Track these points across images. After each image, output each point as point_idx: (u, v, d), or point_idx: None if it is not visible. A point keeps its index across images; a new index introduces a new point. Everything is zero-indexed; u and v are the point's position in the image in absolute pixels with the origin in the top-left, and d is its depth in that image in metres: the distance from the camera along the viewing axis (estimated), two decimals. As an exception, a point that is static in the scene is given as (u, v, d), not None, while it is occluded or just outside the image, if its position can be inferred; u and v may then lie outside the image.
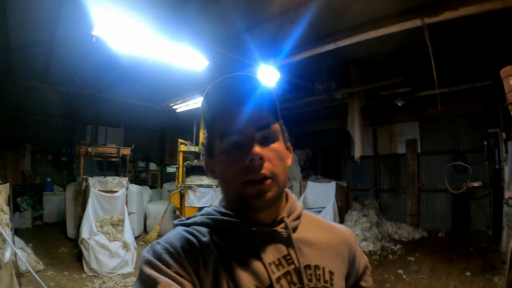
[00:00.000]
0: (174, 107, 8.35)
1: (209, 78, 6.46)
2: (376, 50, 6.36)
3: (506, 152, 6.76)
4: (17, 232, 7.28)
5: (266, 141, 0.82)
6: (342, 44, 5.14)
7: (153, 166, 12.67)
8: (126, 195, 7.58)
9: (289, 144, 0.94)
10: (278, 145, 0.84)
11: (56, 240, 8.07)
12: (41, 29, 5.38)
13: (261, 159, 0.78)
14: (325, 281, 0.89)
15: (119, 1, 4.26)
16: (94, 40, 4.29)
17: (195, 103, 7.55)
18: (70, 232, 7.96)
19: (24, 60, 6.53)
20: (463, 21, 4.48)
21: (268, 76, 5.88)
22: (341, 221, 8.37)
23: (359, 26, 4.96)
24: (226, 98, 0.82)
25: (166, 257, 0.74)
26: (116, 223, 7.04)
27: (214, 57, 5.42)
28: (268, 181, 0.80)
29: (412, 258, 6.71)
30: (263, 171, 0.79)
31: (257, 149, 0.78)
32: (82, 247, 6.41)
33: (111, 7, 3.99)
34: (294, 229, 0.92)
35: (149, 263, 0.73)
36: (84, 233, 6.46)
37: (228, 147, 0.81)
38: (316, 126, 11.79)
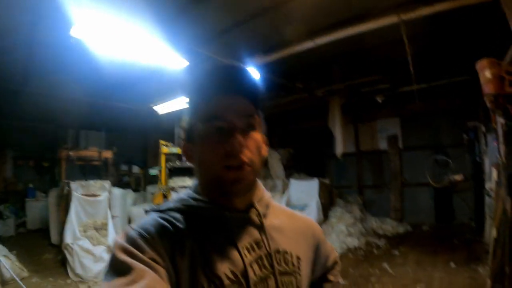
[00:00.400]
0: (155, 108, 8.31)
1: (188, 80, 6.44)
2: (356, 48, 6.39)
3: (486, 144, 6.86)
4: (0, 240, 7.24)
5: (247, 130, 0.84)
6: (320, 42, 5.17)
7: (136, 169, 12.53)
8: (109, 199, 7.52)
9: (265, 137, 0.95)
10: (257, 135, 0.86)
11: (40, 246, 7.94)
12: (19, 33, 5.30)
13: (242, 146, 0.80)
14: (293, 265, 0.92)
15: (98, 2, 4.25)
16: (71, 41, 4.26)
17: (176, 104, 7.50)
18: (54, 238, 7.82)
19: (3, 64, 6.39)
20: (440, 17, 4.54)
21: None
22: (325, 217, 8.43)
23: (337, 24, 5.00)
24: (215, 84, 0.83)
25: (141, 242, 0.73)
26: (100, 227, 6.98)
27: (193, 57, 5.41)
28: (247, 168, 0.81)
29: (397, 252, 6.81)
30: (243, 157, 0.80)
31: (238, 136, 0.80)
32: (66, 253, 6.35)
33: (89, 8, 3.96)
34: (264, 216, 0.94)
35: (122, 249, 0.72)
36: (68, 238, 6.40)
37: (211, 131, 0.82)
38: (298, 124, 11.83)
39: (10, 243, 7.59)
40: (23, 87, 7.47)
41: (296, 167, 11.43)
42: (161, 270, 0.71)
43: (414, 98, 7.89)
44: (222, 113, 0.82)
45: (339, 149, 8.36)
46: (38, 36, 5.36)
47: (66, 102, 8.53)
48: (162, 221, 0.81)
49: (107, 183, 7.63)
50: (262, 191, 0.99)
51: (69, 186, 7.20)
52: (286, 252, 0.93)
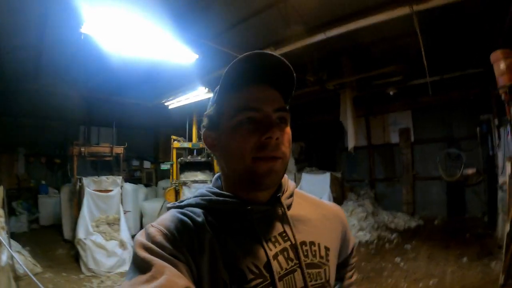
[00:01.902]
0: (166, 104, 8.31)
1: (199, 73, 6.44)
2: (367, 39, 6.34)
3: (499, 138, 6.77)
4: (13, 236, 7.31)
5: (281, 123, 0.83)
6: (331, 34, 5.11)
7: (147, 164, 12.57)
8: (121, 194, 7.58)
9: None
10: (288, 129, 0.86)
11: (53, 242, 8.01)
12: (29, 31, 5.34)
13: (277, 139, 0.80)
14: (321, 257, 0.90)
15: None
16: (82, 38, 4.26)
17: (186, 99, 7.50)
18: (67, 233, 7.91)
19: (15, 63, 6.46)
20: (453, 7, 4.47)
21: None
22: (338, 212, 8.41)
23: (348, 16, 4.95)
24: (253, 72, 0.82)
25: (160, 239, 0.74)
26: (112, 222, 7.03)
27: (203, 51, 5.39)
28: (279, 161, 0.81)
29: (409, 246, 6.75)
30: (276, 151, 0.80)
31: (275, 128, 0.79)
32: (79, 248, 6.41)
33: (100, 4, 3.96)
34: (289, 207, 0.93)
35: (142, 246, 0.72)
36: (80, 234, 6.45)
37: (244, 121, 0.81)
38: (310, 118, 11.69)
39: (24, 239, 7.69)
40: (34, 84, 7.54)
41: (308, 160, 11.41)
42: (181, 265, 0.71)
43: (426, 91, 7.79)
44: (257, 104, 0.81)
45: (350, 142, 8.29)
46: (49, 34, 5.40)
47: (77, 99, 8.60)
48: (181, 216, 0.81)
49: (119, 179, 7.67)
50: (286, 182, 0.97)
51: (81, 182, 7.25)
52: (313, 243, 0.91)
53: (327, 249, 0.93)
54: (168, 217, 0.82)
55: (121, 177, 7.86)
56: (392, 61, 6.97)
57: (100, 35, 4.22)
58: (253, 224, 0.84)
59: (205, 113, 0.93)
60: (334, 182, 8.72)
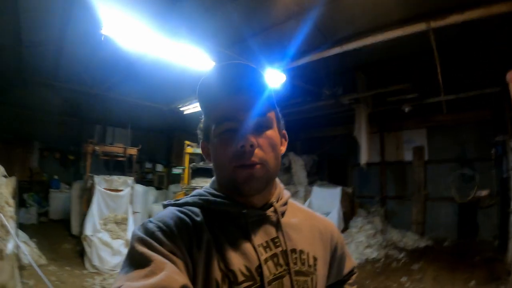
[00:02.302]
0: (181, 108, 8.38)
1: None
2: (383, 56, 6.34)
3: (514, 161, 6.65)
4: (22, 227, 7.42)
5: (259, 129, 0.84)
6: (347, 48, 5.13)
7: (159, 167, 12.67)
8: (131, 194, 7.64)
9: (284, 131, 0.97)
10: (271, 133, 0.87)
11: (60, 236, 8.11)
12: (51, 28, 5.46)
13: (252, 146, 0.80)
14: (309, 266, 0.92)
15: (129, 2, 4.33)
16: (102, 39, 4.34)
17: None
18: (75, 229, 8.01)
19: (35, 57, 6.61)
20: (469, 26, 4.45)
21: (275, 78, 5.88)
22: (346, 227, 8.32)
23: (365, 31, 4.96)
24: (223, 84, 0.84)
25: (159, 235, 0.74)
26: (120, 221, 7.09)
27: (220, 58, 5.44)
28: (258, 166, 0.82)
29: (416, 267, 6.63)
30: (253, 158, 0.81)
31: (249, 136, 0.80)
32: (85, 244, 6.48)
33: (120, 7, 4.04)
34: (282, 214, 0.95)
35: (141, 241, 0.73)
36: (88, 230, 6.52)
37: (222, 132, 0.84)
38: (323, 131, 11.70)
39: (31, 231, 7.78)
40: (52, 80, 7.68)
41: (319, 174, 11.36)
42: (180, 263, 0.72)
43: (441, 110, 7.72)
44: (232, 113, 0.83)
45: (363, 158, 8.24)
46: (70, 32, 5.51)
47: (94, 97, 8.73)
48: (180, 214, 0.83)
49: (130, 179, 7.77)
50: (281, 190, 1.00)
51: (92, 180, 7.36)
52: (302, 252, 0.92)
53: (315, 258, 0.94)
54: (167, 214, 0.82)
55: (132, 178, 7.96)
56: (408, 79, 6.93)
57: (119, 37, 4.29)
58: (248, 228, 0.85)
59: (198, 126, 0.98)
60: (344, 197, 8.67)
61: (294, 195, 10.07)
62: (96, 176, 7.42)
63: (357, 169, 10.44)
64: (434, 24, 4.35)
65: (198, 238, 0.78)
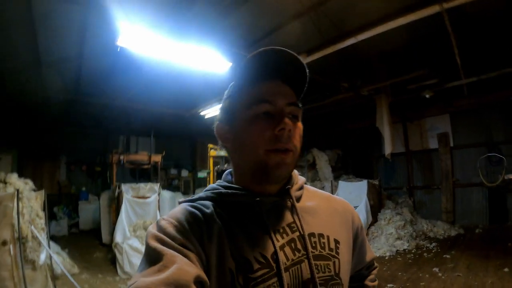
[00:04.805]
0: (202, 113, 8.45)
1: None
2: (400, 43, 6.23)
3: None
4: (53, 239, 7.70)
5: (293, 118, 0.84)
6: (361, 38, 5.03)
7: (185, 172, 12.86)
8: (158, 200, 7.75)
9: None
10: (300, 124, 0.86)
11: (91, 246, 8.34)
12: (68, 46, 5.59)
13: (290, 130, 0.80)
14: (330, 249, 0.89)
15: (142, 11, 4.40)
16: (118, 50, 4.41)
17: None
18: (105, 238, 8.22)
19: (56, 75, 6.79)
20: (486, 3, 4.32)
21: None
22: (375, 220, 8.24)
23: (377, 20, 4.87)
24: (266, 67, 0.83)
25: (171, 230, 0.75)
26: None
27: (236, 60, 5.46)
28: (290, 153, 0.82)
29: (447, 256, 6.49)
30: (289, 143, 0.81)
31: (288, 121, 0.80)
32: (116, 251, 6.60)
33: (134, 17, 4.11)
34: (298, 199, 0.93)
35: (154, 237, 0.74)
36: (118, 238, 6.65)
37: (258, 114, 0.82)
38: (345, 125, 11.52)
39: (63, 242, 8.09)
40: (74, 95, 7.89)
41: (345, 168, 11.30)
42: (192, 255, 0.72)
43: (463, 93, 7.54)
44: (271, 97, 0.82)
45: (387, 149, 8.10)
46: (87, 48, 5.63)
47: (116, 109, 8.92)
48: (191, 209, 0.83)
49: (156, 186, 7.89)
50: (296, 176, 0.98)
51: (120, 188, 7.50)
52: (322, 235, 0.90)
53: (336, 241, 0.91)
54: (179, 210, 0.83)
55: (158, 184, 8.07)
56: (427, 64, 6.78)
57: (135, 47, 4.37)
58: (262, 215, 0.84)
59: (219, 106, 0.95)
60: (371, 190, 8.58)
61: (320, 190, 10.03)
62: (123, 184, 7.57)
63: (382, 160, 10.34)
64: (447, 5, 4.24)
65: (209, 230, 0.79)
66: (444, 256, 6.52)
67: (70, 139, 11.17)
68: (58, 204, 10.50)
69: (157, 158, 8.91)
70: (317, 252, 0.86)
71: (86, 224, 10.36)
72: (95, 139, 11.64)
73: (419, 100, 8.37)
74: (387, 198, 9.50)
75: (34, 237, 4.46)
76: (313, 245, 0.87)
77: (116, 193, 7.60)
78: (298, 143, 0.84)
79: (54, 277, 5.20)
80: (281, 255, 0.80)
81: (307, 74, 0.86)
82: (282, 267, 0.79)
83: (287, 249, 0.83)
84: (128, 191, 7.52)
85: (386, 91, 7.92)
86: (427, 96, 7.85)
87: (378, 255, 6.93)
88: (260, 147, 0.81)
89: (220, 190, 0.89)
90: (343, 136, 11.70)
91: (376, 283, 1.15)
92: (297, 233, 0.86)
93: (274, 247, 0.81)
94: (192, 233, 0.76)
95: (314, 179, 10.50)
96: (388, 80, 7.36)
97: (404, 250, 7.19)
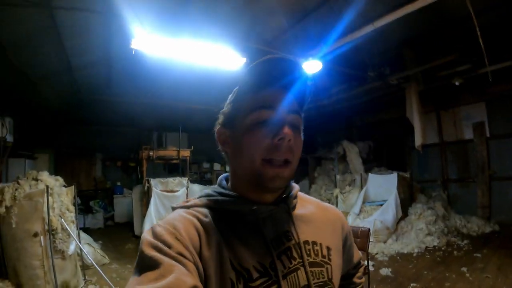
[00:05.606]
0: (228, 107, 8.53)
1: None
2: (426, 27, 5.97)
3: None
4: (89, 231, 8.33)
5: (294, 127, 0.83)
6: (379, 24, 4.85)
7: (217, 166, 13.21)
8: (187, 194, 7.95)
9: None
10: (300, 135, 0.87)
11: (124, 238, 8.69)
12: (96, 49, 5.89)
13: (289, 141, 0.80)
14: (323, 256, 0.92)
15: (156, 16, 4.61)
16: (133, 53, 4.59)
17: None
18: (137, 230, 8.55)
19: (88, 77, 7.23)
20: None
21: (311, 67, 5.80)
22: (405, 214, 7.94)
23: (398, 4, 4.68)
24: (269, 75, 0.83)
25: (168, 237, 0.74)
26: (177, 220, 7.38)
27: (257, 55, 5.46)
28: (287, 166, 0.82)
29: (478, 255, 6.07)
30: (287, 153, 0.80)
31: (288, 130, 0.79)
32: (143, 242, 6.81)
33: (149, 24, 4.30)
34: (293, 208, 0.95)
35: (150, 244, 0.73)
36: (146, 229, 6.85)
37: (258, 121, 0.82)
38: (376, 116, 11.17)
39: (98, 234, 8.64)
40: (106, 96, 8.34)
41: (377, 160, 11.05)
42: (189, 264, 0.71)
43: (500, 79, 7.08)
44: (273, 103, 0.82)
45: (417, 140, 7.74)
46: (114, 51, 5.90)
47: (146, 106, 9.29)
48: (188, 216, 0.82)
49: (185, 180, 8.13)
50: (291, 185, 0.98)
51: (149, 183, 7.79)
52: (315, 243, 0.93)
53: (328, 249, 0.95)
54: (175, 217, 0.82)
55: (187, 178, 8.28)
56: (457, 49, 6.45)
57: (149, 48, 4.61)
58: (259, 224, 0.85)
59: (221, 110, 0.95)
60: (401, 183, 8.28)
61: (351, 184, 9.87)
62: (152, 179, 7.87)
63: (415, 152, 9.88)
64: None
65: (208, 239, 0.78)
66: (475, 255, 6.12)
67: (104, 137, 11.85)
68: (94, 198, 11.15)
69: (186, 153, 9.12)
70: (311, 259, 0.89)
71: (121, 217, 10.92)
72: (129, 136, 12.23)
73: (452, 87, 7.92)
74: (419, 192, 9.16)
75: (64, 229, 4.75)
76: (308, 252, 0.90)
77: (146, 187, 7.88)
78: (297, 154, 0.84)
79: (84, 267, 5.50)
80: (278, 264, 0.82)
81: (309, 86, 0.87)
82: (280, 275, 0.81)
83: (283, 257, 0.85)
84: (157, 185, 7.81)
85: (416, 79, 7.62)
86: (457, 83, 7.45)
87: (405, 252, 6.68)
88: (257, 155, 0.80)
89: (216, 198, 0.89)
90: (375, 127, 11.39)
91: (362, 280, 1.21)
92: (293, 242, 0.89)
93: (272, 256, 0.82)
94: (190, 241, 0.76)
95: (344, 172, 10.35)
96: (417, 67, 7.06)
97: (434, 247, 6.84)
